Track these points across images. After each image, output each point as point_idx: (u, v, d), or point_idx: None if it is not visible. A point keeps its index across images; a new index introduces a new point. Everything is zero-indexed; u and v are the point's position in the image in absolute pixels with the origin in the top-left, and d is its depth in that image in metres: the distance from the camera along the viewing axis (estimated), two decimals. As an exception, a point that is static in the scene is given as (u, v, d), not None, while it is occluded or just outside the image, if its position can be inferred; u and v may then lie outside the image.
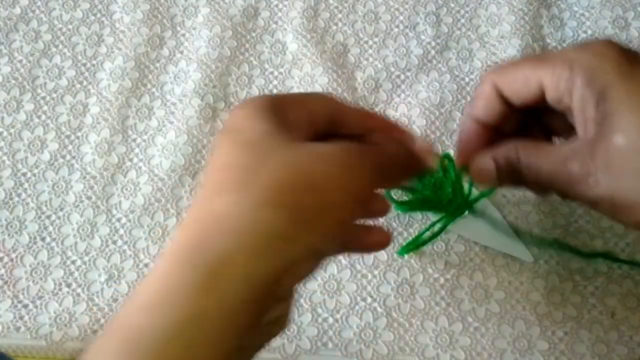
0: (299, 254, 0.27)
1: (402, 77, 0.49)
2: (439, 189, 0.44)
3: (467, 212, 0.44)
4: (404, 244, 0.43)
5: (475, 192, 0.44)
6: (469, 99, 0.48)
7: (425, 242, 0.43)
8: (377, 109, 0.48)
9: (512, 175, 0.37)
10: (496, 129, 0.39)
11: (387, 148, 0.33)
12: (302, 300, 0.42)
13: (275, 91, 0.49)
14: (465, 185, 0.44)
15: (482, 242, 0.43)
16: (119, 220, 0.44)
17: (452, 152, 0.43)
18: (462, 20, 0.51)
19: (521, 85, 0.37)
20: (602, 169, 0.33)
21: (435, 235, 0.43)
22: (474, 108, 0.39)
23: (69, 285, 0.42)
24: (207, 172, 0.30)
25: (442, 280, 0.42)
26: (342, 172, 0.29)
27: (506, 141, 0.38)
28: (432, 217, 0.44)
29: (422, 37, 0.50)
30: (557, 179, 0.35)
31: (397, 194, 0.45)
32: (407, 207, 0.44)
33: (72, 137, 0.47)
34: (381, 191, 0.44)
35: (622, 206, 0.33)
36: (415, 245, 0.43)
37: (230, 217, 0.27)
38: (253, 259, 0.26)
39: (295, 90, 0.48)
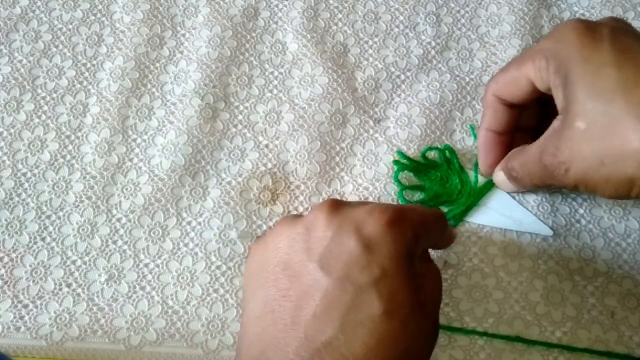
0: None
1: (402, 77, 0.49)
2: (446, 182, 0.44)
3: (479, 201, 0.44)
4: None
5: (482, 179, 0.45)
6: (469, 98, 0.48)
7: None
8: (377, 109, 0.48)
9: (516, 180, 0.39)
10: (515, 128, 0.42)
11: None
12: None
13: (275, 91, 0.49)
14: (471, 174, 0.45)
15: (499, 226, 0.44)
16: (119, 220, 0.44)
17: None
18: (462, 20, 0.51)
19: (514, 87, 0.39)
20: (569, 157, 0.34)
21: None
22: (484, 120, 0.42)
23: (69, 285, 0.42)
24: (349, 315, 0.29)
25: (441, 280, 0.42)
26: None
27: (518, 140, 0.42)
28: (446, 210, 0.44)
29: (422, 37, 0.50)
30: (539, 174, 0.37)
31: (408, 195, 0.45)
32: None
33: (72, 137, 0.47)
34: (395, 189, 0.45)
35: (595, 186, 0.34)
36: None
37: None
38: None
39: (295, 90, 0.48)
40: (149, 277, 0.42)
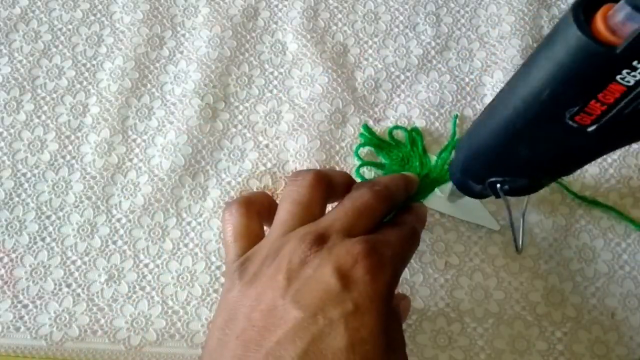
0: None
1: (402, 77, 0.49)
2: (406, 163, 0.45)
3: (437, 189, 0.45)
4: None
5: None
6: (469, 99, 0.48)
7: None
8: (377, 109, 0.48)
9: None
10: None
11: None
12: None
13: (275, 91, 0.49)
14: (433, 158, 0.45)
15: (451, 214, 0.44)
16: (119, 220, 0.44)
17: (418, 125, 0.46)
18: (462, 20, 0.51)
19: None
20: None
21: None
22: None
23: (69, 285, 0.42)
24: (312, 348, 0.29)
25: (442, 280, 0.42)
26: None
27: None
28: None
29: (422, 37, 0.50)
30: None
31: (366, 169, 0.46)
32: None
33: (72, 137, 0.47)
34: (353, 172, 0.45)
35: None
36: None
37: None
38: None
39: (295, 90, 0.48)
40: (149, 277, 0.42)
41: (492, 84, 0.48)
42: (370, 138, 0.46)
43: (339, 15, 0.51)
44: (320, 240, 0.32)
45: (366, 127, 0.46)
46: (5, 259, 0.43)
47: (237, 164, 0.46)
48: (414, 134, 0.46)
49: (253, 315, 0.31)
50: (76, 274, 0.43)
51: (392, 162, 0.45)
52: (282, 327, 0.29)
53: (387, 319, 0.31)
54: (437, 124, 0.47)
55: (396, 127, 0.47)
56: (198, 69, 0.49)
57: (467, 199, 0.43)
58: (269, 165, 0.46)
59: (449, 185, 0.44)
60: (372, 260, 0.31)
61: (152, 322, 0.41)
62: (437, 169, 0.45)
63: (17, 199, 0.45)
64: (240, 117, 0.48)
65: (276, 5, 0.52)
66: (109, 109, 0.47)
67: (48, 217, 0.44)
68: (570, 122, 0.27)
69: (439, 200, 0.44)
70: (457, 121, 0.47)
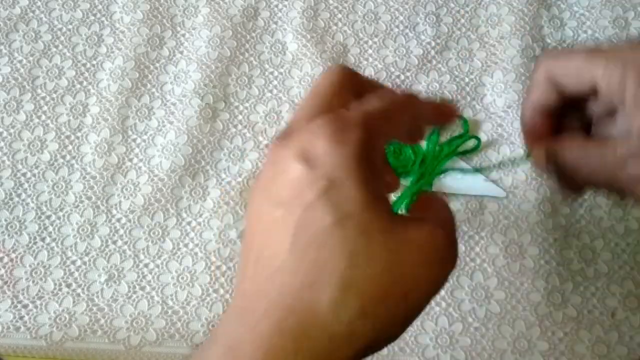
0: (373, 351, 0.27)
1: (402, 77, 0.49)
2: (399, 154, 0.45)
3: (433, 169, 0.45)
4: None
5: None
6: (468, 99, 0.48)
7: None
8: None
9: (560, 172, 0.37)
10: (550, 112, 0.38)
11: None
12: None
13: (275, 91, 0.49)
14: (423, 144, 0.46)
15: (458, 193, 0.45)
16: (119, 220, 0.44)
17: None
18: (462, 20, 0.51)
19: (574, 77, 0.36)
20: None
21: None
22: (533, 95, 0.38)
23: (69, 286, 0.42)
24: (299, 234, 0.26)
25: (442, 280, 0.42)
26: (436, 279, 0.28)
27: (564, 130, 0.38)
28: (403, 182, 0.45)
29: (422, 37, 0.50)
30: (614, 180, 0.34)
31: None
32: None
33: (72, 137, 0.47)
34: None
35: None
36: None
37: (331, 322, 0.26)
38: None
39: (295, 90, 0.48)
40: (149, 277, 0.42)
41: (492, 84, 0.48)
42: None
43: (339, 15, 0.51)
44: (286, 134, 0.29)
45: None
46: (5, 259, 0.43)
47: (237, 164, 0.46)
48: None
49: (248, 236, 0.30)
50: (76, 274, 0.42)
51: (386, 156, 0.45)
52: (271, 229, 0.27)
53: (369, 178, 0.27)
54: (437, 123, 0.47)
55: None
56: (198, 69, 0.49)
57: (468, 176, 0.43)
58: (269, 165, 0.46)
59: (447, 165, 0.45)
60: (332, 127, 0.28)
61: (152, 322, 0.41)
62: (430, 153, 0.45)
63: (17, 199, 0.45)
64: (240, 117, 0.48)
65: (276, 5, 0.52)
66: (109, 109, 0.47)
67: (48, 217, 0.44)
68: None
69: (440, 181, 0.45)
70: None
